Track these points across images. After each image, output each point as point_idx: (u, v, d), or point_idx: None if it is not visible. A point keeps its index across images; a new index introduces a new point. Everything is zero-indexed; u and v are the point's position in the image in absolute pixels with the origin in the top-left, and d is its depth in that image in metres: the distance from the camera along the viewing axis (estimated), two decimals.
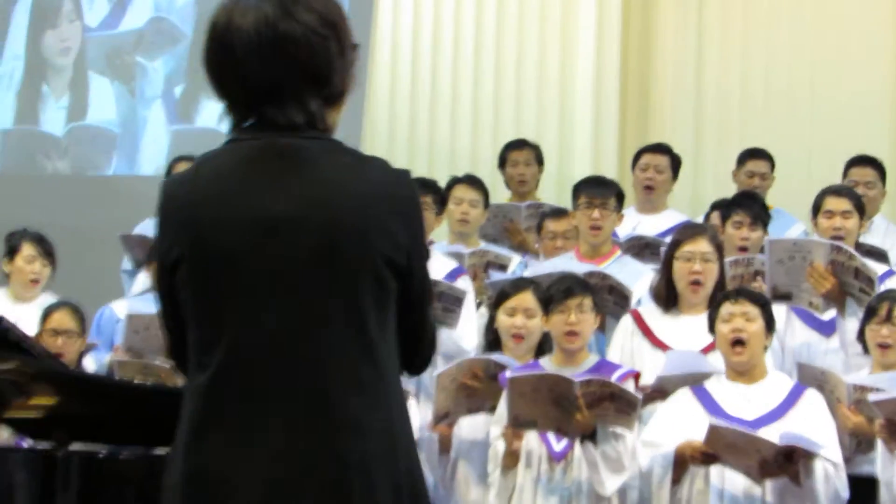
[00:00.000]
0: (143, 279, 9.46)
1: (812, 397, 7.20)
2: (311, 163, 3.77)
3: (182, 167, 10.20)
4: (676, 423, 7.12)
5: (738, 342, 7.11)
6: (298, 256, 3.72)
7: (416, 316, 3.92)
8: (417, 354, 4.02)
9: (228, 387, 3.74)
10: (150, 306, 8.74)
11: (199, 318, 3.81)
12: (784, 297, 8.32)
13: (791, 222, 9.65)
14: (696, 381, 7.26)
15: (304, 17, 3.76)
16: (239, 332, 3.73)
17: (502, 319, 7.79)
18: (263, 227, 3.71)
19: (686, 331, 7.86)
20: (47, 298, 8.95)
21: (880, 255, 8.64)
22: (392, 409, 3.83)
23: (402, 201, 3.81)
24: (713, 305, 7.39)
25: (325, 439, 3.74)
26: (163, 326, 4.03)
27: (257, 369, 3.75)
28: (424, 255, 3.92)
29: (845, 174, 9.81)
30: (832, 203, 8.81)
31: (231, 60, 3.78)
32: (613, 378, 7.38)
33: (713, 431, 6.84)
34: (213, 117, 12.02)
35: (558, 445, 7.39)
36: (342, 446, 3.73)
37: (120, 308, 9.23)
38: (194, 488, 3.77)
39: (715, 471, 7.01)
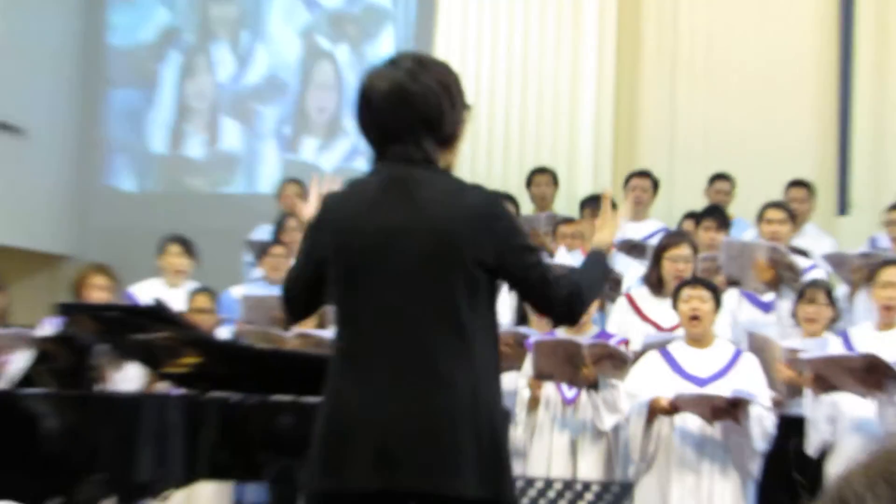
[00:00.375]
0: (258, 271, 9.60)
1: (748, 359, 7.26)
2: (421, 188, 3.92)
3: (290, 187, 10.33)
4: (649, 378, 7.19)
5: (694, 318, 7.21)
6: (408, 256, 3.89)
7: (527, 288, 4.10)
8: (552, 310, 4.20)
9: (361, 347, 3.94)
10: (260, 290, 8.94)
11: (340, 298, 4.05)
12: (735, 283, 8.50)
13: (746, 227, 9.69)
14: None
15: (425, 80, 3.93)
16: (368, 311, 3.94)
17: None
18: (384, 234, 3.89)
19: (667, 310, 7.86)
20: (191, 285, 8.96)
21: (804, 254, 8.74)
22: (478, 372, 3.91)
23: (488, 217, 3.95)
24: (676, 290, 7.45)
25: (422, 389, 3.86)
26: (289, 291, 4.29)
27: (379, 336, 3.91)
28: (518, 251, 4.00)
29: (785, 193, 9.84)
30: (771, 214, 8.92)
31: (369, 112, 3.97)
32: (611, 343, 7.44)
33: (679, 398, 6.99)
34: (312, 150, 12.14)
35: (570, 393, 7.49)
36: (434, 396, 3.85)
37: (237, 291, 9.25)
38: (334, 412, 3.94)
39: (678, 415, 7.11)
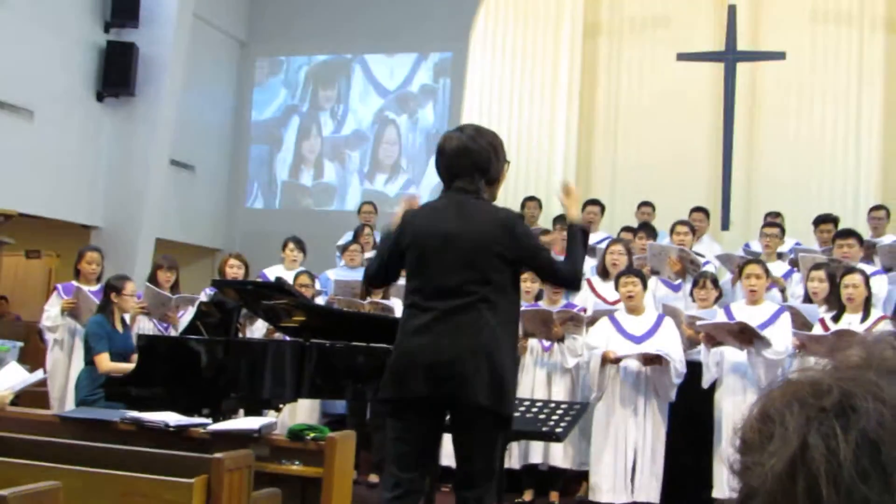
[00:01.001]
0: (342, 261, 9.50)
1: (668, 322, 7.15)
2: (471, 209, 4.11)
3: (366, 206, 10.36)
4: (602, 335, 7.09)
5: (630, 297, 7.13)
6: (459, 250, 4.05)
7: (538, 268, 4.44)
8: (559, 281, 4.63)
9: (422, 309, 4.07)
10: (344, 274, 8.90)
11: (412, 275, 4.21)
12: (656, 272, 8.41)
13: (665, 237, 9.58)
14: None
15: (481, 142, 4.15)
16: (430, 284, 4.08)
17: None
18: (443, 237, 4.07)
19: (611, 290, 7.79)
20: (300, 269, 8.95)
21: (700, 255, 8.67)
22: (497, 335, 4.05)
23: (510, 227, 4.11)
24: (618, 278, 7.40)
25: (459, 337, 3.99)
26: (374, 266, 4.48)
27: (435, 301, 4.05)
28: (531, 249, 4.20)
29: (689, 215, 9.74)
30: (679, 228, 8.95)
31: (444, 159, 4.18)
32: (573, 310, 7.44)
33: (623, 358, 6.97)
34: (381, 182, 12.05)
35: (546, 343, 7.45)
36: (466, 341, 3.97)
37: (330, 274, 9.20)
38: (403, 349, 4.08)
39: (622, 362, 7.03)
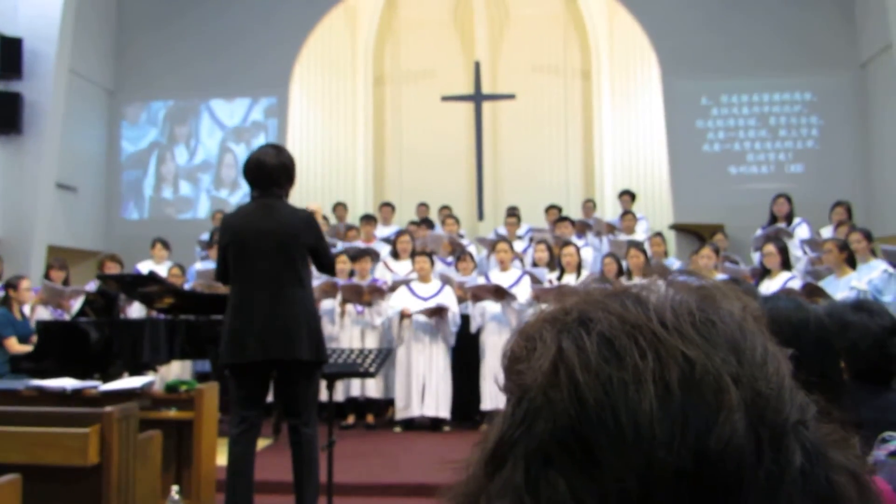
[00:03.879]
0: (205, 255, 9.12)
1: (447, 288, 7.12)
2: (278, 209, 3.92)
3: (217, 214, 9.83)
4: (401, 299, 7.05)
5: (422, 269, 7.11)
6: (271, 243, 3.86)
7: (319, 258, 4.06)
8: (325, 269, 4.15)
9: (243, 290, 3.87)
10: (206, 266, 8.44)
11: (234, 264, 3.92)
12: (433, 252, 8.37)
13: (439, 228, 9.62)
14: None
15: (281, 158, 3.97)
16: (249, 269, 3.87)
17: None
18: (259, 233, 3.85)
19: (401, 266, 7.71)
20: (169, 263, 8.50)
21: (462, 237, 8.74)
22: (306, 298, 3.94)
23: (307, 223, 3.95)
24: (413, 257, 7.28)
25: (279, 307, 3.84)
26: (218, 270, 4.09)
27: (255, 282, 3.85)
28: (320, 241, 4.02)
29: (440, 210, 9.91)
30: (448, 220, 8.96)
31: (251, 173, 3.96)
32: (377, 283, 7.33)
33: (414, 313, 6.91)
34: (225, 194, 11.58)
35: (359, 308, 7.31)
36: (285, 309, 3.84)
37: (198, 266, 8.72)
38: (234, 322, 3.88)
39: (414, 316, 7.02)
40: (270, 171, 3.91)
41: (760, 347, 0.51)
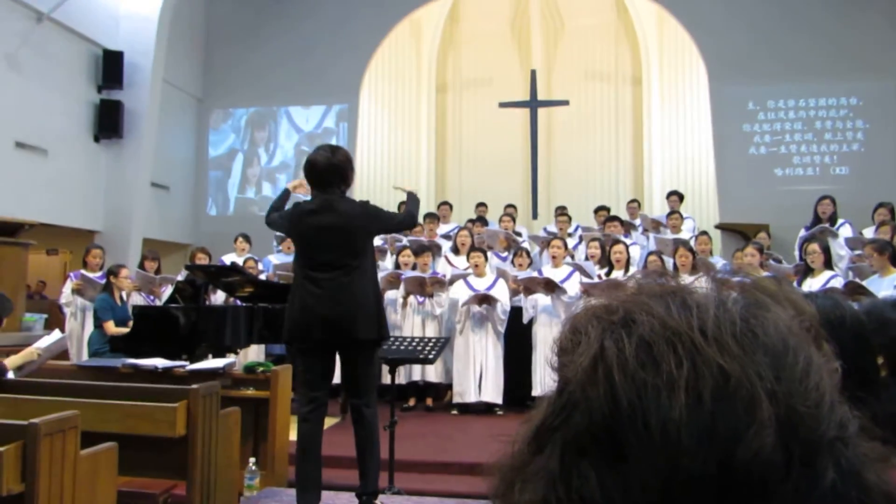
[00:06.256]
0: (280, 248, 9.20)
1: (500, 281, 7.12)
2: (338, 205, 3.92)
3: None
4: (459, 291, 7.04)
5: (476, 266, 7.09)
6: (331, 237, 3.89)
7: (394, 229, 4.35)
8: (406, 228, 4.44)
9: (309, 277, 3.89)
10: (283, 259, 8.53)
11: (299, 252, 4.01)
12: (490, 248, 8.33)
13: (494, 224, 9.57)
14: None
15: (339, 158, 3.93)
16: (314, 259, 3.89)
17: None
18: (319, 227, 3.90)
19: (461, 261, 7.68)
20: (247, 256, 8.68)
21: (519, 234, 8.65)
22: (370, 286, 3.95)
23: (365, 213, 3.99)
24: (469, 253, 7.25)
25: (343, 293, 3.86)
26: (275, 217, 4.21)
27: (320, 270, 3.87)
28: (383, 221, 4.05)
29: (504, 209, 9.86)
30: (504, 218, 8.89)
31: (307, 174, 3.99)
32: (439, 276, 7.34)
33: (469, 298, 6.89)
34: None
35: (421, 298, 7.32)
36: (350, 296, 3.86)
37: (272, 259, 8.76)
38: (301, 306, 3.90)
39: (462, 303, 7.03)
40: (322, 171, 3.91)
41: (803, 361, 0.48)
